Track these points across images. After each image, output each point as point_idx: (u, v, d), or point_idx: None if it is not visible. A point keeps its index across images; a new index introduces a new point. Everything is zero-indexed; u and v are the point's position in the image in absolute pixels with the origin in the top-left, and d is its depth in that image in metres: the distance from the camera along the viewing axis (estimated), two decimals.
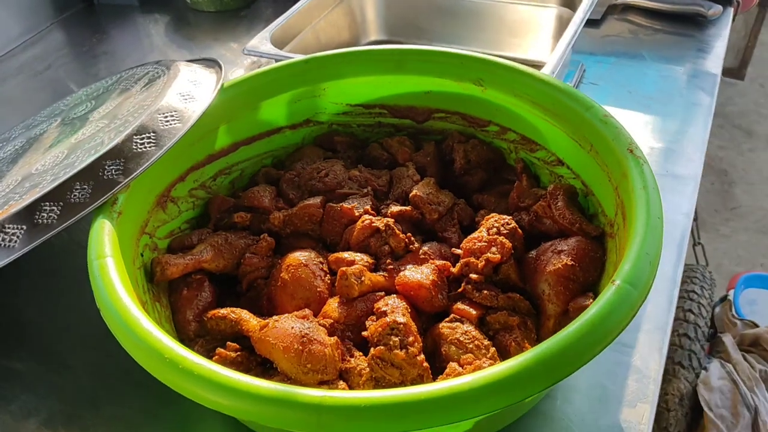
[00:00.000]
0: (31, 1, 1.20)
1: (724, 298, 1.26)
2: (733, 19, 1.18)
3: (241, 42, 1.15)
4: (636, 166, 0.56)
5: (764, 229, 2.26)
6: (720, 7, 1.10)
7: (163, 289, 0.61)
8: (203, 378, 0.43)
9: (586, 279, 0.58)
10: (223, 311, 0.57)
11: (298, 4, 0.96)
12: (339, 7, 1.03)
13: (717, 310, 1.25)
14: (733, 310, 1.23)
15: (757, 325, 1.19)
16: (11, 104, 1.05)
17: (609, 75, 1.00)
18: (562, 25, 0.95)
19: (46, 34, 1.20)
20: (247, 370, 0.55)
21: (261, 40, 0.87)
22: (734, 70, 2.69)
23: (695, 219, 1.38)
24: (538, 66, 0.91)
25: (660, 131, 0.88)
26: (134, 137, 0.60)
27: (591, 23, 1.11)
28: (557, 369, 0.42)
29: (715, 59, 1.01)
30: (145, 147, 0.60)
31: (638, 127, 0.90)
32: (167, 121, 0.62)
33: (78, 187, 0.57)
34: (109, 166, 0.58)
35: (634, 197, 0.54)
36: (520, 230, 0.62)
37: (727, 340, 1.16)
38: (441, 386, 0.42)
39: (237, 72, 1.04)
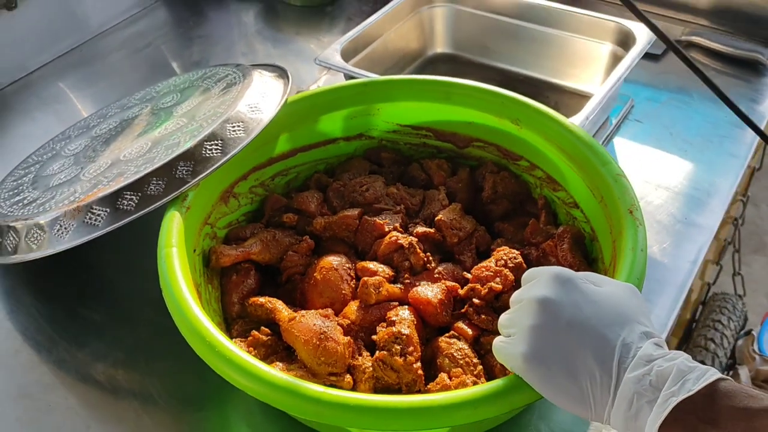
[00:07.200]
0: None
1: (748, 332, 1.30)
2: None
3: (322, 39, 1.24)
4: (631, 227, 0.63)
5: None
6: None
7: (216, 272, 0.73)
8: (232, 362, 0.54)
9: None
10: (262, 300, 0.68)
11: (372, 18, 1.04)
12: (411, 20, 1.11)
13: (740, 342, 1.29)
14: (755, 345, 1.26)
15: None
16: (110, 79, 1.17)
17: (656, 114, 1.04)
18: (615, 61, 1.00)
19: (150, 11, 1.32)
20: (274, 353, 0.66)
21: (332, 52, 0.97)
22: None
23: (737, 250, 1.41)
24: (586, 97, 0.97)
25: (690, 178, 0.93)
26: (205, 143, 0.71)
27: (651, 57, 1.14)
28: (510, 401, 0.52)
29: (764, 111, 1.04)
30: (213, 153, 0.71)
31: (670, 170, 0.95)
32: (234, 131, 0.73)
33: (154, 182, 0.69)
34: (181, 166, 0.70)
35: (624, 255, 0.62)
36: (525, 265, 0.70)
37: (743, 373, 1.21)
38: (416, 399, 0.52)
39: (312, 71, 1.14)
